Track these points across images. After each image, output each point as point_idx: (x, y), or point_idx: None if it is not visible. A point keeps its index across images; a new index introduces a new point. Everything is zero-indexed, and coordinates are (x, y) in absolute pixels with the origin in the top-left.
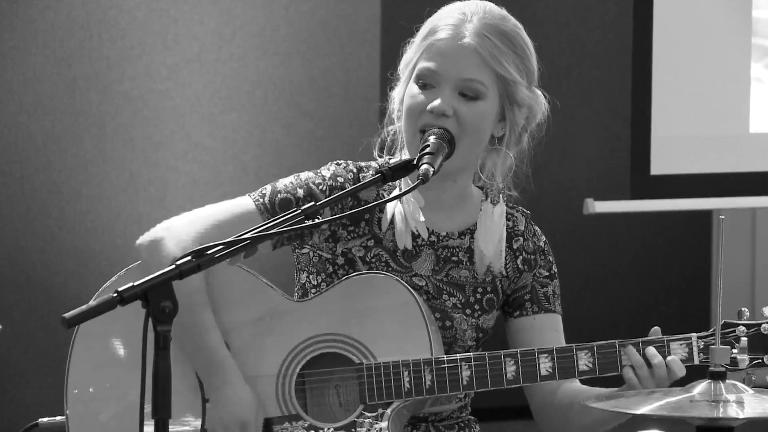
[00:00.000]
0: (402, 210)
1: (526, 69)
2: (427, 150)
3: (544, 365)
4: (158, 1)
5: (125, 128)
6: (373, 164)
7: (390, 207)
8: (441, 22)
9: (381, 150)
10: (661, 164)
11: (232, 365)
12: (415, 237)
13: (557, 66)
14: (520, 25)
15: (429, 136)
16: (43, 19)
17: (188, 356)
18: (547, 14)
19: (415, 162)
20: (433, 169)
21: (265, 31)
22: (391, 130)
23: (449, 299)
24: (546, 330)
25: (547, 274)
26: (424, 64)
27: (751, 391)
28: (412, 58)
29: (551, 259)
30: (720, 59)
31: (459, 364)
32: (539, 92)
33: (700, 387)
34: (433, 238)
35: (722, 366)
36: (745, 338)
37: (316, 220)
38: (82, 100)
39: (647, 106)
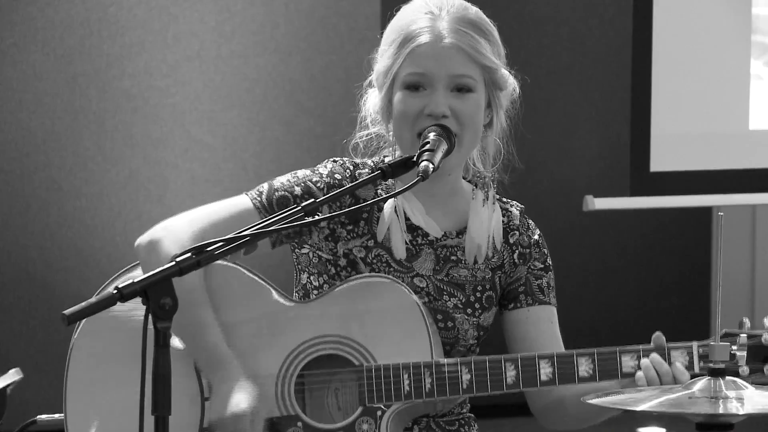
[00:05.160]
0: (397, 218)
1: (498, 52)
2: (427, 147)
3: (544, 371)
4: None
5: (125, 126)
6: (369, 162)
7: (387, 210)
8: (414, 27)
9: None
10: (660, 161)
11: (231, 362)
12: (414, 237)
13: (557, 65)
14: (480, 11)
15: (429, 132)
16: (43, 16)
17: (190, 353)
18: (547, 13)
19: (414, 159)
20: (432, 166)
21: (265, 29)
22: (365, 135)
23: (450, 300)
24: (540, 322)
25: (542, 266)
26: (410, 70)
27: (750, 387)
28: (389, 66)
29: (546, 252)
30: (720, 56)
31: (459, 367)
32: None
33: (700, 383)
34: (431, 237)
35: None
36: (745, 335)
37: (316, 218)
38: (81, 98)
39: (647, 104)
